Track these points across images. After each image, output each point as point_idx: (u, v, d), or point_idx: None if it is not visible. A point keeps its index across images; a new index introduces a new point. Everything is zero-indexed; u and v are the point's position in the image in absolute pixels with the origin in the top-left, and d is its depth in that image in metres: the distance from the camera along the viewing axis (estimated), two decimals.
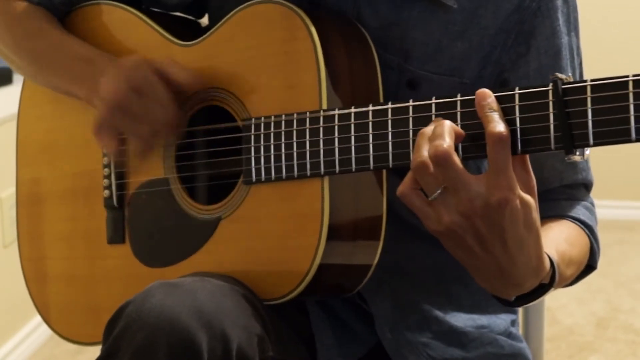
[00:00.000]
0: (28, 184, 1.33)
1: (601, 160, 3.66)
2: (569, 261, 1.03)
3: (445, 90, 1.09)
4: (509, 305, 0.97)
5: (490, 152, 0.86)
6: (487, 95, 0.88)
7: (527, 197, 0.87)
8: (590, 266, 1.14)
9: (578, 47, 1.15)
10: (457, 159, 0.85)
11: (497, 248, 0.88)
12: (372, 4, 1.10)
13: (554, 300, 2.93)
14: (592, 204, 1.18)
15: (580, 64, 1.16)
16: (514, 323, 1.24)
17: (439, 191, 0.87)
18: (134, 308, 0.93)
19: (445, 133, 0.86)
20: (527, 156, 0.89)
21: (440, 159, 0.85)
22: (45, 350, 2.66)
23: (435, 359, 1.15)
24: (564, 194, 1.15)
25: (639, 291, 3.14)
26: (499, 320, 1.21)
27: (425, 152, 0.87)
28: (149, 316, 0.91)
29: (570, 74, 1.12)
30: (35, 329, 2.65)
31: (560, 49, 1.11)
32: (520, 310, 1.29)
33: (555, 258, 0.97)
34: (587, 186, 1.18)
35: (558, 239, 1.04)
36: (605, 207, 3.78)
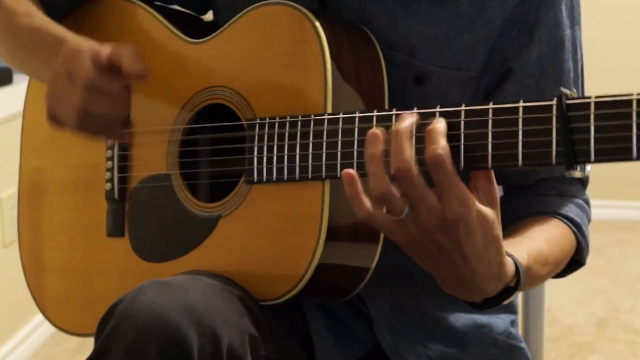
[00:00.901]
0: (31, 173, 1.33)
1: None
2: (544, 260, 1.04)
3: (453, 84, 1.10)
4: (477, 308, 0.98)
5: (432, 174, 0.86)
6: (406, 117, 0.88)
7: (485, 210, 0.88)
8: (578, 261, 1.15)
9: (580, 41, 1.16)
10: (418, 174, 0.86)
11: (457, 259, 0.89)
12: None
13: (554, 300, 2.93)
14: (587, 201, 1.18)
15: (582, 58, 1.17)
16: (513, 323, 1.24)
17: (406, 211, 0.87)
18: (125, 307, 0.93)
19: (403, 146, 0.87)
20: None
21: (402, 174, 0.86)
22: (45, 350, 2.66)
23: (434, 359, 1.15)
24: (555, 190, 1.15)
25: (639, 291, 3.14)
26: (499, 321, 1.21)
27: (386, 178, 0.87)
28: (140, 315, 0.91)
29: (570, 66, 1.12)
30: (35, 329, 2.65)
31: (563, 41, 1.12)
32: (520, 310, 1.29)
33: (524, 261, 0.97)
34: (582, 181, 1.18)
35: (535, 239, 1.05)
36: (605, 207, 3.78)
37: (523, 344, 1.23)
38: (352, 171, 0.89)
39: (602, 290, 3.11)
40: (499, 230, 0.90)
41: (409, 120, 0.89)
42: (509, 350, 1.20)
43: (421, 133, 0.89)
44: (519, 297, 1.30)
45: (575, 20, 1.14)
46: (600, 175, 3.84)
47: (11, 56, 1.26)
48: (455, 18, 1.10)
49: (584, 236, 1.14)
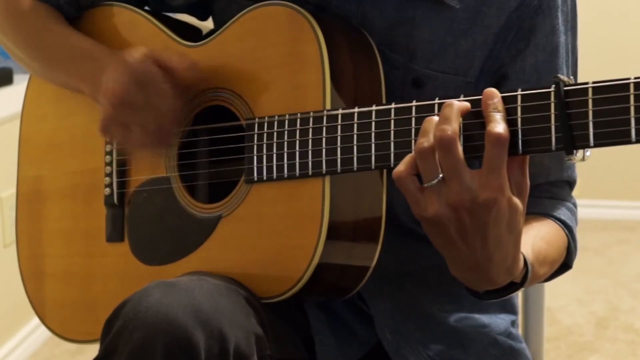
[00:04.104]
0: (29, 182, 1.33)
1: (601, 160, 3.66)
2: (543, 260, 1.04)
3: (450, 89, 1.10)
4: (477, 298, 0.99)
5: (486, 151, 0.86)
6: (493, 95, 0.89)
7: (516, 200, 0.89)
8: (566, 265, 1.15)
9: (574, 46, 1.17)
10: (459, 147, 0.86)
11: (477, 243, 0.89)
12: (376, 5, 1.11)
13: (554, 300, 2.93)
14: (575, 205, 1.19)
15: (575, 62, 1.17)
16: (513, 323, 1.24)
17: (437, 179, 0.87)
18: (131, 307, 0.93)
19: (452, 117, 0.87)
20: (527, 159, 0.90)
21: (444, 143, 0.86)
22: (45, 350, 2.66)
23: (435, 359, 1.15)
24: (548, 192, 1.16)
25: (639, 291, 3.14)
26: (499, 321, 1.21)
27: (431, 136, 0.87)
28: (146, 315, 0.91)
29: (565, 72, 1.13)
30: (35, 329, 2.65)
31: (557, 47, 1.12)
32: (520, 310, 1.29)
33: (530, 257, 0.98)
34: (570, 184, 1.19)
35: (535, 237, 1.06)
36: (605, 207, 3.78)
37: (523, 344, 1.23)
38: None
39: (602, 290, 3.11)
40: (522, 224, 0.91)
41: (464, 102, 0.89)
42: (509, 350, 1.20)
43: (469, 120, 0.90)
44: (519, 297, 1.30)
45: (569, 26, 1.15)
46: (600, 175, 3.85)
47: (40, 69, 1.29)
48: (451, 24, 1.10)
49: (575, 239, 1.15)
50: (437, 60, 1.11)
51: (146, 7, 1.28)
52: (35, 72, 1.32)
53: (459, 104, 0.88)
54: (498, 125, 0.86)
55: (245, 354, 0.94)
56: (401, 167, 0.90)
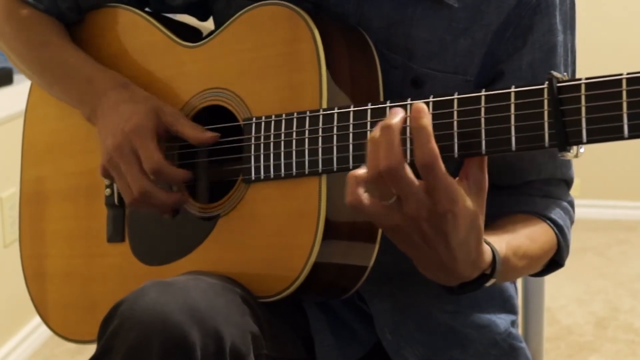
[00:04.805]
0: (32, 183, 1.34)
1: (601, 160, 3.66)
2: (523, 254, 1.05)
3: (450, 88, 1.10)
4: (452, 293, 0.99)
5: (422, 175, 0.86)
6: (421, 111, 0.86)
7: (472, 203, 0.88)
8: (556, 262, 1.16)
9: (572, 45, 1.17)
10: (407, 170, 0.85)
11: (439, 246, 0.89)
12: (375, 4, 1.11)
13: (553, 300, 2.93)
14: (571, 203, 1.19)
15: (574, 62, 1.17)
16: (513, 323, 1.24)
17: (393, 199, 0.87)
18: (127, 307, 0.93)
19: (394, 144, 0.85)
20: (485, 158, 0.90)
21: (392, 172, 0.85)
22: (45, 350, 2.67)
23: (434, 359, 1.15)
24: (541, 191, 1.16)
25: (639, 291, 3.14)
26: (499, 321, 1.21)
27: (379, 163, 0.86)
28: (142, 314, 0.92)
29: (563, 71, 1.13)
30: (35, 329, 2.65)
31: (555, 46, 1.12)
32: (520, 310, 1.29)
33: (502, 251, 0.99)
34: (567, 182, 1.19)
35: (517, 234, 1.06)
36: (605, 207, 3.79)
37: (523, 344, 1.23)
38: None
39: (602, 290, 3.11)
40: (482, 220, 0.91)
41: (400, 115, 0.87)
42: (509, 350, 1.20)
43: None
44: (519, 297, 1.30)
45: (568, 25, 1.15)
46: (600, 175, 3.84)
47: (39, 81, 1.30)
48: (450, 23, 1.10)
49: (565, 238, 1.15)
50: (436, 59, 1.11)
51: (147, 9, 1.28)
52: (35, 83, 1.33)
53: (397, 125, 0.86)
54: (423, 149, 0.84)
55: (241, 353, 0.95)
56: (351, 194, 0.87)
